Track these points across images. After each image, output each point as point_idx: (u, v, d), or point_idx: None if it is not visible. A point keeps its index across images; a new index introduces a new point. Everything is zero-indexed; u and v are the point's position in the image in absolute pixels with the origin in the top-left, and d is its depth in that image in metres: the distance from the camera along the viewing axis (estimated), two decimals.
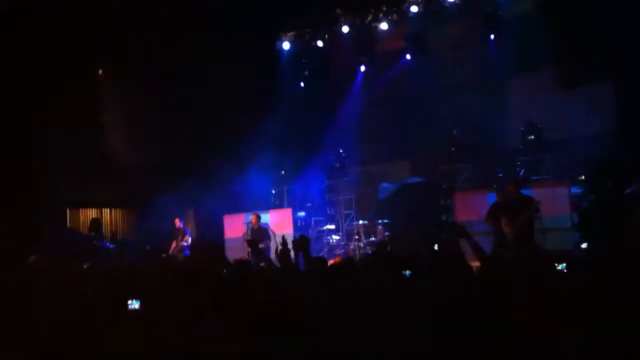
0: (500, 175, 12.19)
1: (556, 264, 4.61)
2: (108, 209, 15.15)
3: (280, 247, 5.93)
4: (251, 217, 13.04)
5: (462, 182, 12.98)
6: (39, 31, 12.06)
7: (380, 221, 13.01)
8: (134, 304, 4.98)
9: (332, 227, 14.25)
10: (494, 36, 13.84)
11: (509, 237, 9.00)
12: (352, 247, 12.99)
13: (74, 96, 12.72)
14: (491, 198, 10.82)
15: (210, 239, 14.22)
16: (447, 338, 3.40)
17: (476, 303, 3.54)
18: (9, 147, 11.73)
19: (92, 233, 13.03)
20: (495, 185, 11.33)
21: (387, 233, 12.71)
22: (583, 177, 11.42)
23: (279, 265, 6.18)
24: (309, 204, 15.04)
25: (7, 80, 11.86)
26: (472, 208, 11.66)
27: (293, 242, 5.88)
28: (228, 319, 4.19)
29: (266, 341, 3.63)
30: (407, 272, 4.50)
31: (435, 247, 9.14)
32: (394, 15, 14.54)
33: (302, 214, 14.69)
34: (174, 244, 13.19)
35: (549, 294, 3.72)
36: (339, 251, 13.10)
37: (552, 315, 3.54)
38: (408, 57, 14.96)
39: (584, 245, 9.74)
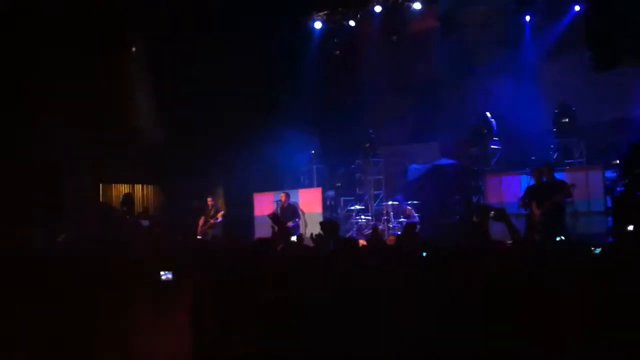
0: (533, 158, 12.08)
1: (592, 248, 4.57)
2: (140, 185, 15.33)
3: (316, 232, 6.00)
4: (280, 195, 13.15)
5: (493, 165, 12.88)
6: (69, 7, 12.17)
7: (409, 202, 13.01)
8: (167, 274, 5.16)
9: (361, 207, 14.24)
10: (527, 17, 13.68)
11: (536, 220, 9.20)
12: (381, 227, 13.01)
13: (109, 74, 12.88)
14: (523, 181, 10.83)
15: (240, 216, 14.34)
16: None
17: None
18: (44, 122, 11.89)
19: (125, 208, 13.25)
20: (528, 169, 11.29)
21: (416, 214, 12.72)
22: (617, 161, 11.29)
23: (312, 245, 6.25)
24: (338, 184, 15.06)
25: (41, 57, 11.96)
26: (504, 190, 11.64)
27: (321, 225, 5.93)
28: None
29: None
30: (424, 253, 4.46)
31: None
32: None
33: (331, 193, 14.72)
34: (201, 221, 13.30)
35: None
36: (367, 231, 13.11)
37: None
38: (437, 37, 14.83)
39: (630, 228, 9.54)
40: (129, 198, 13.82)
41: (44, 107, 11.83)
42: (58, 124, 11.79)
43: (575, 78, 13.04)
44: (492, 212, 5.10)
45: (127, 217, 13.01)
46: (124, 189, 14.85)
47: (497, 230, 5.29)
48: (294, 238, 9.25)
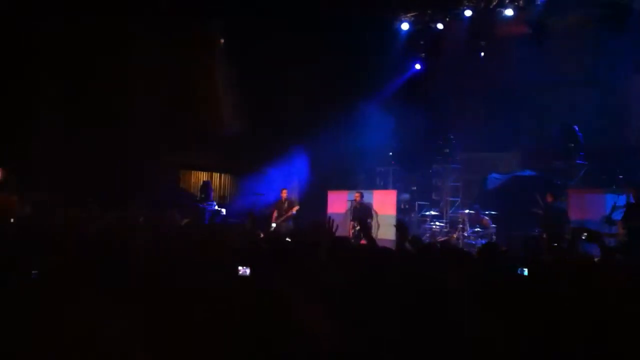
0: (621, 176, 11.63)
1: None
2: (217, 174, 15.62)
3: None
4: (355, 195, 13.14)
5: (577, 180, 12.45)
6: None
7: (487, 212, 12.74)
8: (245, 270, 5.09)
9: (436, 213, 14.04)
10: (617, 29, 13.10)
11: (620, 240, 9.06)
12: (455, 235, 12.79)
13: (194, 64, 13.17)
14: (609, 199, 10.46)
15: (313, 212, 14.39)
16: None
17: None
18: (135, 113, 12.27)
19: (202, 195, 13.53)
20: (613, 187, 10.92)
21: (493, 225, 12.45)
22: None
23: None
24: (414, 188, 14.92)
25: (128, 44, 12.32)
26: (587, 207, 11.25)
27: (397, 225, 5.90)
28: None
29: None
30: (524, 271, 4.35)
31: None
32: (521, 1, 14.05)
33: (406, 196, 14.59)
34: (275, 214, 13.40)
35: None
36: (442, 238, 12.93)
37: None
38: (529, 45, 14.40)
39: None
40: (207, 185, 14.09)
41: (130, 93, 12.20)
42: (142, 110, 12.15)
43: None
44: (585, 234, 4.94)
45: (201, 204, 13.28)
46: (202, 176, 15.16)
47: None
48: None
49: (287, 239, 5.95)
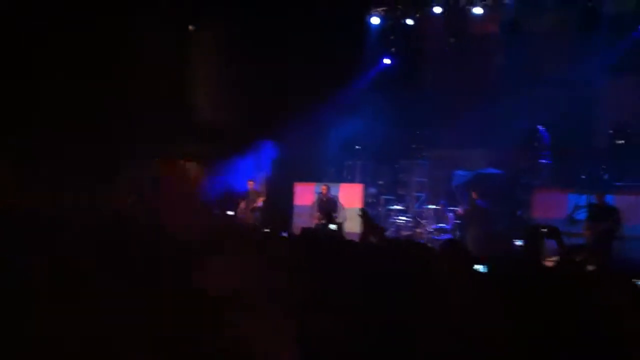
0: (583, 177, 11.84)
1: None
2: (190, 162, 15.37)
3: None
4: (322, 188, 13.13)
5: (541, 179, 12.63)
6: None
7: (452, 208, 12.86)
8: None
9: (401, 207, 14.13)
10: (591, 32, 13.30)
11: (587, 241, 9.25)
12: (419, 230, 12.89)
13: (171, 51, 13.04)
14: (571, 199, 10.65)
15: (279, 204, 14.36)
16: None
17: None
18: (110, 103, 12.11)
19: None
20: (576, 187, 11.15)
21: (457, 221, 12.57)
22: None
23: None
24: (381, 182, 14.97)
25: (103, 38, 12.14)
26: (551, 206, 11.42)
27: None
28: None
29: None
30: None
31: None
32: (490, 0, 14.19)
33: (372, 190, 14.64)
34: (243, 205, 13.33)
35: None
36: (406, 233, 13.02)
37: None
38: (498, 44, 14.57)
39: None
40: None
41: (101, 82, 12.03)
42: (118, 96, 12.01)
43: (635, 99, 12.65)
44: (545, 230, 5.01)
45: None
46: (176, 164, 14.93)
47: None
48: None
49: None
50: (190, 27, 14.41)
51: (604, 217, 9.40)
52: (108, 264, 4.12)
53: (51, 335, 3.23)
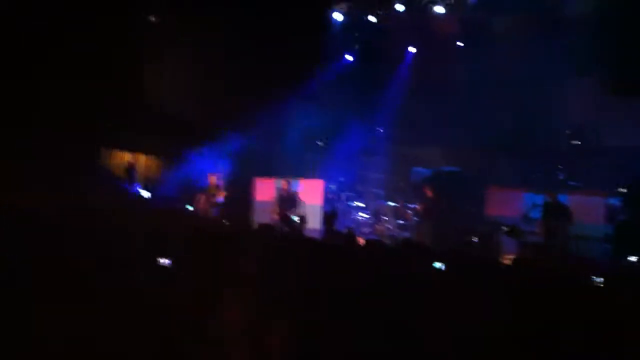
0: (538, 174, 12.09)
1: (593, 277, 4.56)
2: (143, 156, 15.18)
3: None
4: (282, 183, 13.09)
5: (497, 177, 12.83)
6: None
7: (411, 205, 12.99)
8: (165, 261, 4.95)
9: (362, 204, 14.20)
10: (551, 34, 13.52)
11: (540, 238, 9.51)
12: (379, 227, 12.99)
13: (122, 44, 12.81)
14: (527, 198, 10.86)
15: (239, 199, 14.27)
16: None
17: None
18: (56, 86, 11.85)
19: (126, 177, 13.20)
20: (530, 186, 11.38)
21: (415, 218, 12.69)
22: (624, 189, 11.26)
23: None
24: (342, 178, 15.02)
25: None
26: (505, 204, 11.62)
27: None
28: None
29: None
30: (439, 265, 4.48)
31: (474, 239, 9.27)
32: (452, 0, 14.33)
33: (333, 187, 14.68)
34: (202, 199, 13.19)
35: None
36: (367, 229, 13.11)
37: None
38: (459, 44, 14.74)
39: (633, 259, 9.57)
40: (130, 167, 13.74)
41: (54, 71, 11.78)
42: (64, 87, 11.77)
43: (592, 101, 12.89)
44: (506, 228, 5.13)
45: (126, 185, 12.95)
46: (127, 157, 14.71)
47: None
48: None
49: None
50: (151, 18, 14.17)
51: (556, 215, 9.61)
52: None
53: (51, 335, 3.19)
